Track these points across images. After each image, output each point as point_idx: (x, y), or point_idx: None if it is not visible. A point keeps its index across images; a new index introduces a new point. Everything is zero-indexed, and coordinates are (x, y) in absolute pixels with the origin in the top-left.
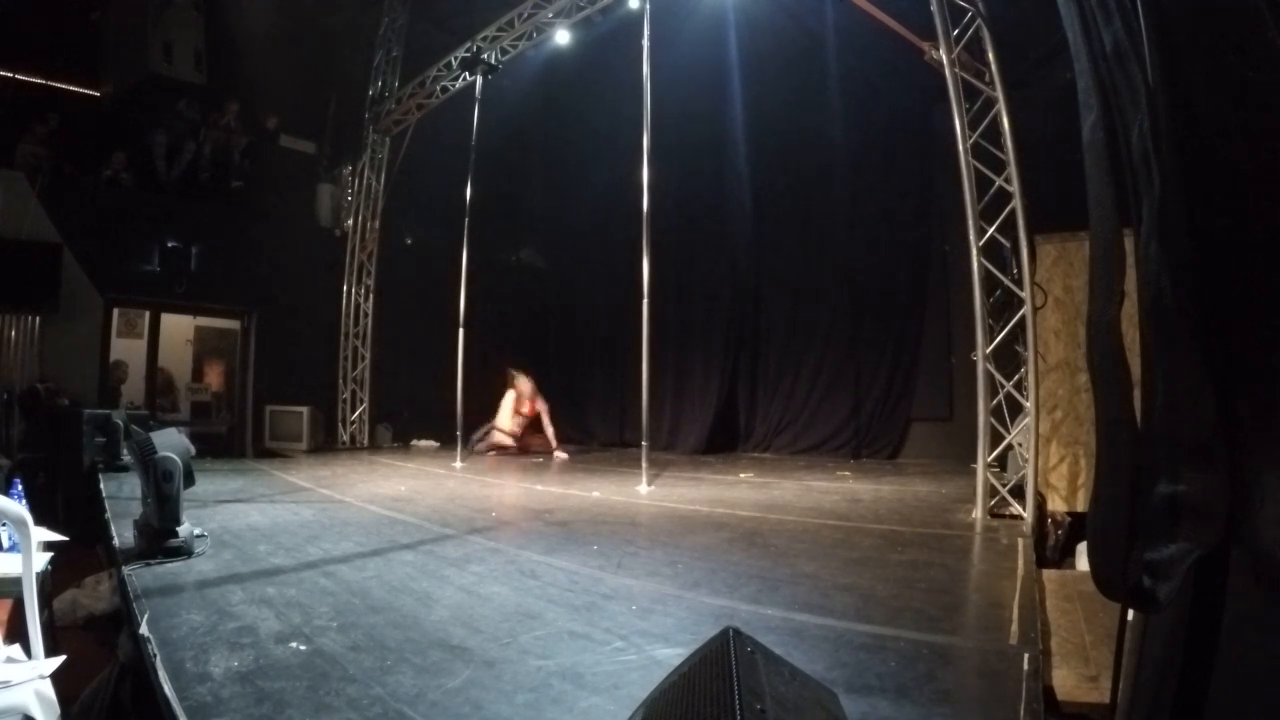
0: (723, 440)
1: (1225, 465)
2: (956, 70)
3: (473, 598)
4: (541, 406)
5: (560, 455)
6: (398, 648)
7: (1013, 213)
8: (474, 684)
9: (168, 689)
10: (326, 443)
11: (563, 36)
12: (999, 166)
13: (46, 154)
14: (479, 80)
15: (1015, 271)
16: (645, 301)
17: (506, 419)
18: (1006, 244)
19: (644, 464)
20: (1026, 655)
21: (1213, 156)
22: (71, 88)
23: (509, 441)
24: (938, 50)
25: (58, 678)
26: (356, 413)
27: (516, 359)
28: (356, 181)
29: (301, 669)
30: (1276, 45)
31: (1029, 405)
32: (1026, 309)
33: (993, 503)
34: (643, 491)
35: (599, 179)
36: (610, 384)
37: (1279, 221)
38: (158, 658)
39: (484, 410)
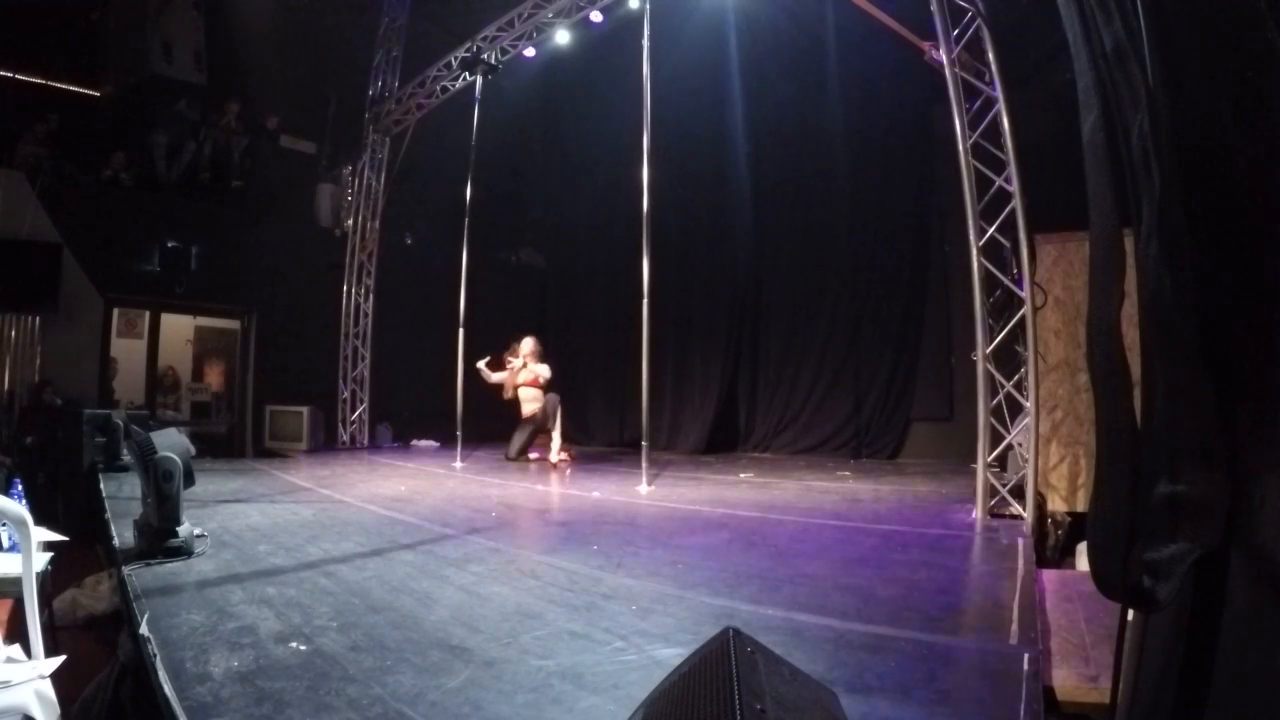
0: (723, 440)
1: (1225, 465)
2: (956, 70)
3: (473, 598)
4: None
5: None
6: (398, 648)
7: (1013, 213)
8: (474, 684)
9: (168, 689)
10: (326, 443)
11: (563, 36)
12: (999, 166)
13: (46, 154)
14: (479, 80)
15: (1015, 271)
16: (645, 301)
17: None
18: (1006, 244)
19: (644, 464)
20: (1026, 655)
21: (1213, 156)
22: (71, 88)
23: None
24: (938, 50)
25: (58, 678)
26: (356, 413)
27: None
28: (356, 181)
29: (301, 669)
30: (1276, 45)
31: (1029, 405)
32: (1026, 309)
33: (993, 503)
34: (643, 491)
35: (599, 179)
36: (610, 384)
37: (1278, 221)
38: (158, 658)
39: (484, 410)
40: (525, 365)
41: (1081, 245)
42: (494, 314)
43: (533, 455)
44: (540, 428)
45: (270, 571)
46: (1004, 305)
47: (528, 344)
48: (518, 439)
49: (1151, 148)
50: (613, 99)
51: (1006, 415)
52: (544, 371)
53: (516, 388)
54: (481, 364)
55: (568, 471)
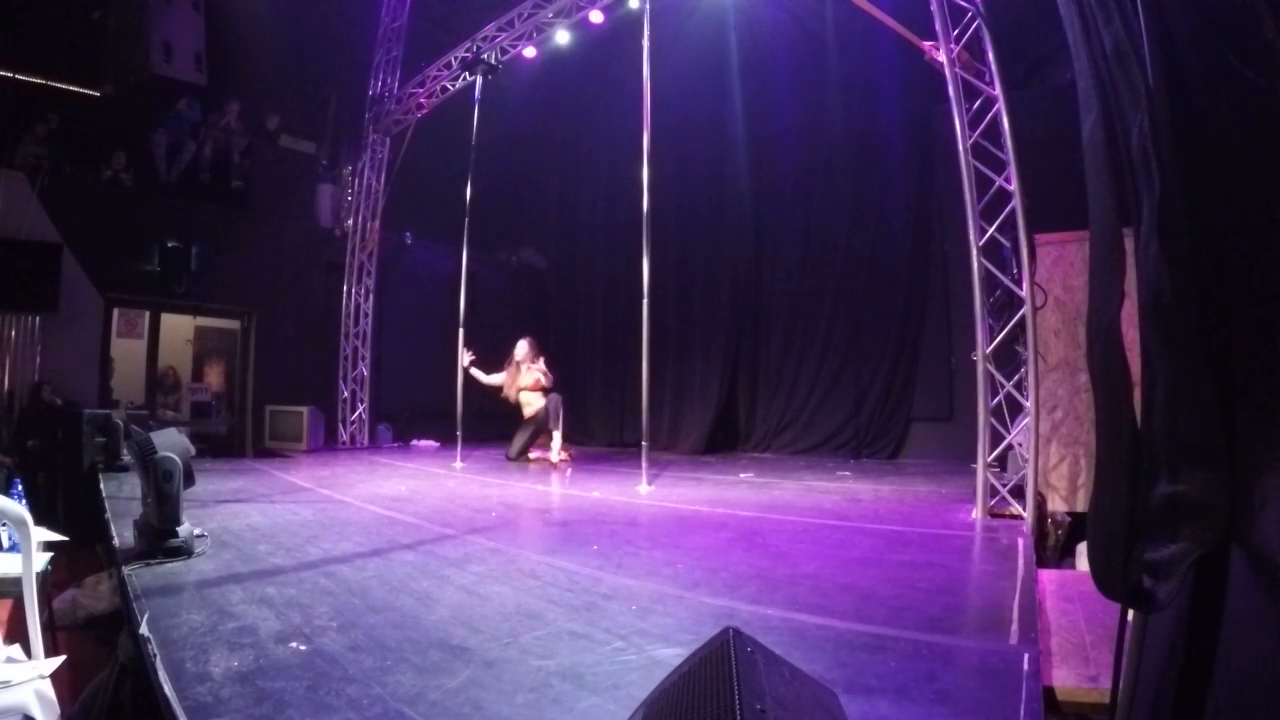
0: (723, 440)
1: (1225, 465)
2: (956, 70)
3: (473, 598)
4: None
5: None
6: (398, 648)
7: (1013, 213)
8: (474, 684)
9: (168, 689)
10: (326, 443)
11: (563, 37)
12: (999, 166)
13: (46, 154)
14: (479, 80)
15: (1015, 271)
16: (645, 301)
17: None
18: (1006, 244)
19: (644, 464)
20: (1026, 655)
21: (1212, 156)
22: (71, 88)
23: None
24: (938, 50)
25: (58, 678)
26: (356, 413)
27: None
28: (356, 181)
29: (301, 669)
30: (1276, 45)
31: (1029, 405)
32: (1026, 309)
33: (993, 503)
34: (643, 491)
35: (600, 179)
36: (610, 384)
37: (1278, 221)
38: (158, 658)
39: (484, 411)
40: (524, 369)
41: (1081, 245)
42: (494, 314)
43: (533, 455)
44: (542, 428)
45: (270, 571)
46: (1004, 305)
47: (522, 347)
48: (519, 439)
49: (1151, 148)
50: (613, 99)
51: (1006, 415)
52: (543, 372)
53: (520, 391)
54: (467, 363)
55: (568, 471)
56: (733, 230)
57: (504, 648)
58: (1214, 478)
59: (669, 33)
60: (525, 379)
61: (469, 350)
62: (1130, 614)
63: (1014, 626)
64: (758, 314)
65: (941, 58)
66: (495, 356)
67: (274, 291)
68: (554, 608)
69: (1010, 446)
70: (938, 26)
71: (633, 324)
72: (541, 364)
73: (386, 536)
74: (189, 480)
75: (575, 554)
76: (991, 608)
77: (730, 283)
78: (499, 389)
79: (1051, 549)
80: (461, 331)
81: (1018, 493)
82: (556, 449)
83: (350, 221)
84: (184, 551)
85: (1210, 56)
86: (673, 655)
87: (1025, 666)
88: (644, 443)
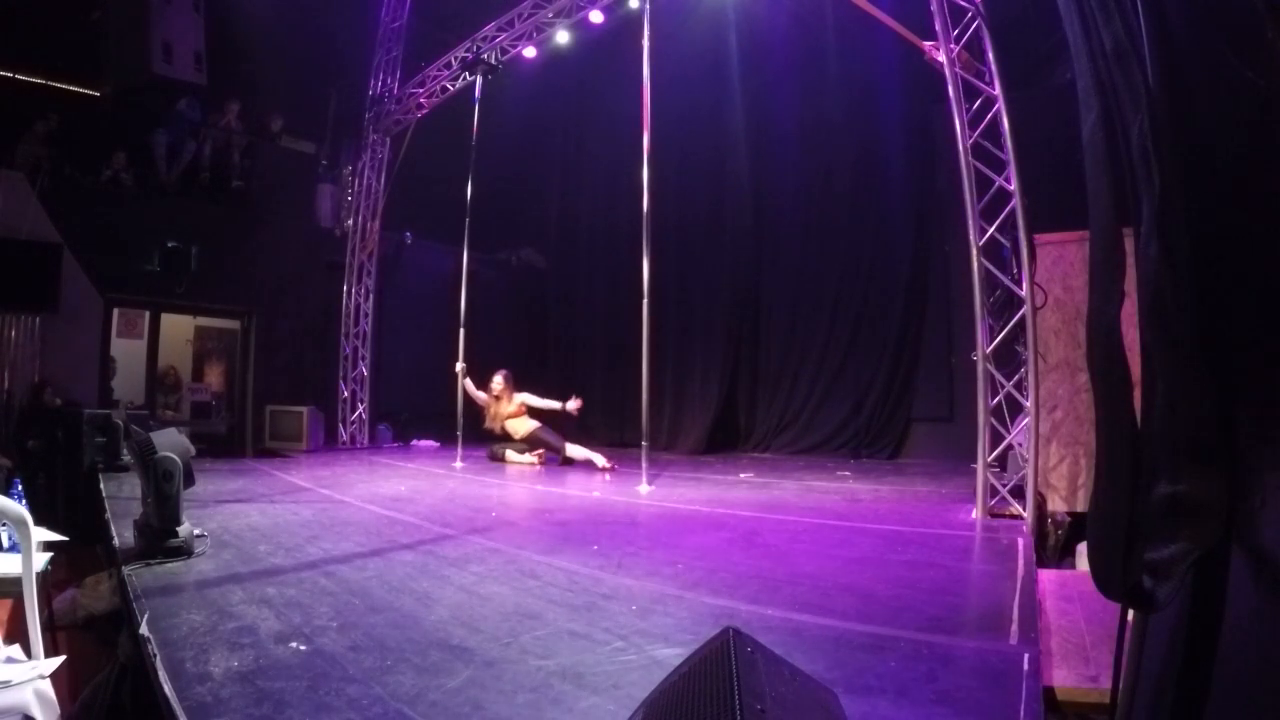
0: (723, 440)
1: (1225, 465)
2: (956, 70)
3: (473, 598)
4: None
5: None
6: (398, 648)
7: (1013, 213)
8: (474, 684)
9: (168, 689)
10: (326, 443)
11: (563, 37)
12: (999, 166)
13: (46, 154)
14: (479, 80)
15: (1015, 271)
16: (645, 301)
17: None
18: (1006, 244)
19: (644, 464)
20: (1026, 655)
21: (1212, 156)
22: (71, 88)
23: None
24: (938, 50)
25: (58, 678)
26: (356, 413)
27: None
28: (356, 181)
29: (301, 669)
30: (1276, 45)
31: (1029, 405)
32: (1026, 309)
33: (993, 503)
34: (643, 491)
35: (600, 179)
36: (610, 384)
37: (1278, 221)
38: (158, 658)
39: (483, 411)
40: (502, 399)
41: (1081, 245)
42: (494, 314)
43: (533, 456)
44: (536, 447)
45: (270, 571)
46: (1004, 305)
47: (499, 381)
48: (510, 446)
49: (1151, 148)
50: (613, 99)
51: (1006, 415)
52: (529, 399)
53: (505, 421)
54: (459, 369)
55: (539, 470)
56: (733, 230)
57: (504, 648)
58: (1214, 478)
59: (669, 32)
60: (507, 408)
61: (463, 363)
62: (1130, 614)
63: (1014, 626)
64: (758, 314)
65: (941, 58)
66: (494, 356)
67: (274, 291)
68: (554, 608)
69: (1010, 446)
70: (938, 26)
71: (633, 324)
72: (525, 394)
73: (386, 536)
74: (189, 480)
75: (575, 554)
76: (991, 608)
77: (730, 282)
78: (483, 411)
79: (1051, 549)
80: (462, 331)
81: (1018, 493)
82: (599, 459)
83: (350, 221)
84: (184, 551)
85: (1210, 56)
86: (673, 655)
87: (1025, 666)
88: (644, 443)
